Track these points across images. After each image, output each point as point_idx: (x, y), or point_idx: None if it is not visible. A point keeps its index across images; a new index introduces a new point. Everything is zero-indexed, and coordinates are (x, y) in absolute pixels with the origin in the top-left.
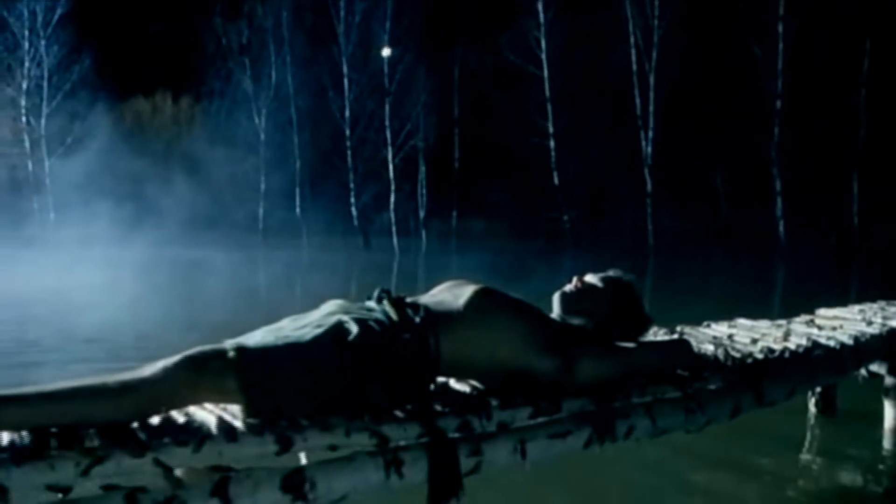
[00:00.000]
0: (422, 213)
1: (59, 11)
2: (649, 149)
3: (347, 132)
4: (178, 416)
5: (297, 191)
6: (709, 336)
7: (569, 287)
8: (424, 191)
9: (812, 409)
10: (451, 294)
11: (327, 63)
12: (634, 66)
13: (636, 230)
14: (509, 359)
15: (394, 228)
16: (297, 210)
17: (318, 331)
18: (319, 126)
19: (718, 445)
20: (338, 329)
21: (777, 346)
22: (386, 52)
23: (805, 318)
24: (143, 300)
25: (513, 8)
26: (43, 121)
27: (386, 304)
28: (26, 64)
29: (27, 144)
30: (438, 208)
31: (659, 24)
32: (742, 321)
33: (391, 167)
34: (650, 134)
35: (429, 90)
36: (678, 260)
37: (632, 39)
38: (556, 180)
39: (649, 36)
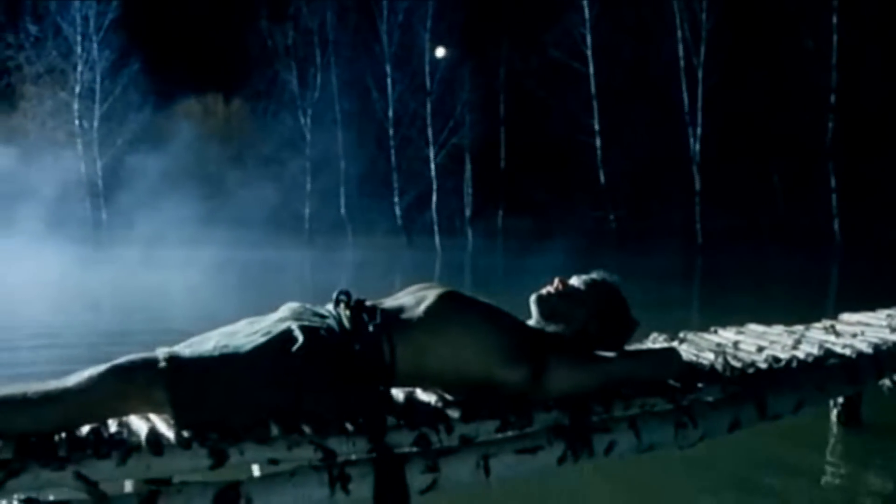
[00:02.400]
0: (467, 212)
1: (110, 16)
2: (697, 146)
3: (391, 131)
4: (111, 426)
5: (342, 190)
6: (712, 343)
7: (547, 289)
8: (470, 189)
9: (834, 420)
10: (413, 298)
11: (371, 63)
12: (682, 62)
13: (685, 229)
14: (472, 367)
15: (436, 227)
16: (342, 209)
17: (262, 340)
18: (363, 125)
19: (731, 457)
20: (283, 338)
21: (784, 355)
22: (440, 52)
23: (825, 323)
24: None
25: (557, 4)
26: (95, 123)
27: (342, 309)
28: (79, 68)
29: (79, 147)
30: (484, 207)
31: (707, 17)
32: (752, 327)
33: (433, 166)
34: (698, 130)
35: (473, 88)
36: (729, 259)
37: (679, 34)
38: (602, 178)
39: (697, 30)
